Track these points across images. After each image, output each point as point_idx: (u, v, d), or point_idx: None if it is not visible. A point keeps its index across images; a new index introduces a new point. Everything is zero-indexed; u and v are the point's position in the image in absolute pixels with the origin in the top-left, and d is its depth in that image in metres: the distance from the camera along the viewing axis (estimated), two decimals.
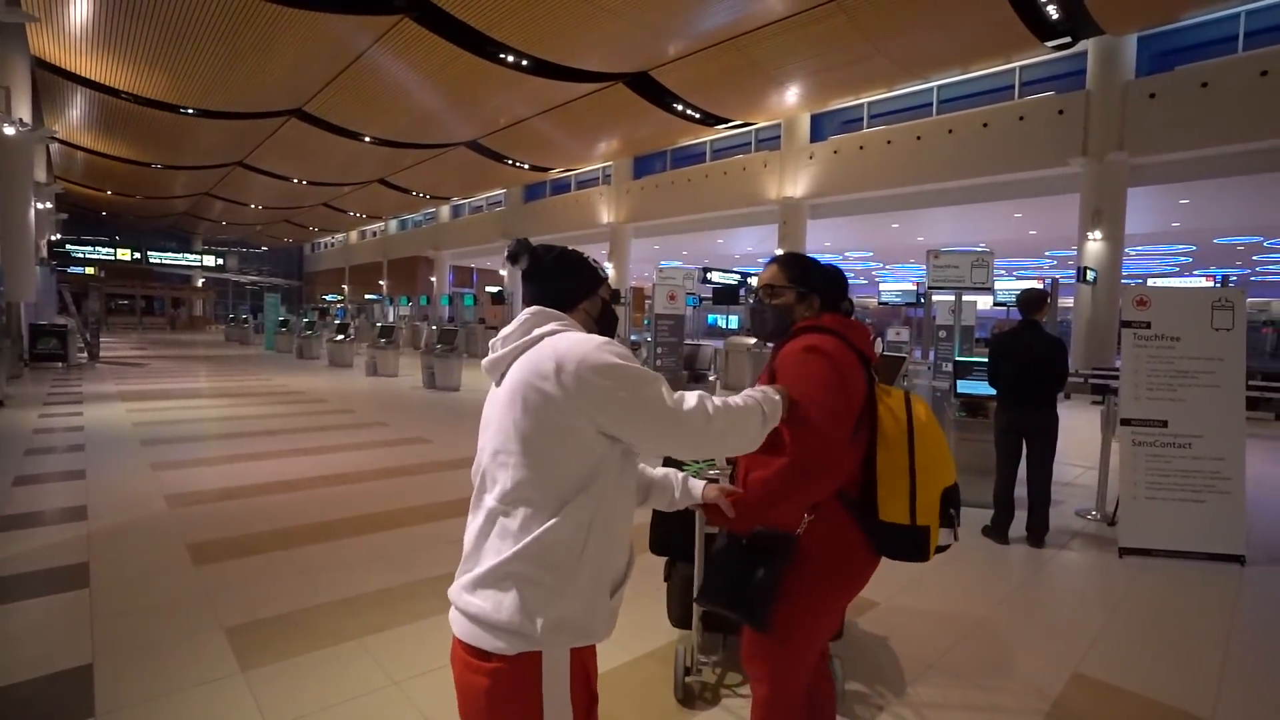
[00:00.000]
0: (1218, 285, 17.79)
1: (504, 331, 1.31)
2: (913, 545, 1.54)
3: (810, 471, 1.48)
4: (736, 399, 1.36)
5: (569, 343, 1.20)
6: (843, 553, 1.57)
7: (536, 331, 1.25)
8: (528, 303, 1.35)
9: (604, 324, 1.40)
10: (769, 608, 1.53)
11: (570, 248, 1.41)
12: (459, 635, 1.19)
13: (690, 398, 1.24)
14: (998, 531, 4.47)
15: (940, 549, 1.60)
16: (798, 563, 1.54)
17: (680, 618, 2.68)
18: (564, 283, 1.37)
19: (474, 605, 1.16)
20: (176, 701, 2.36)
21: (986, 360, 4.60)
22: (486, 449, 1.27)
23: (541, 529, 1.15)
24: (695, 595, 1.90)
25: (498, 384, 1.29)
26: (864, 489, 1.56)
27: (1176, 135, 11.58)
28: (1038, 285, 6.55)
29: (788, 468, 1.48)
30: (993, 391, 5.21)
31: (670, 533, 2.67)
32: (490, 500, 1.22)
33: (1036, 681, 2.68)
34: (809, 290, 1.68)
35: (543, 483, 1.16)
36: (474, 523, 1.25)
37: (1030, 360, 4.28)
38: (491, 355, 1.30)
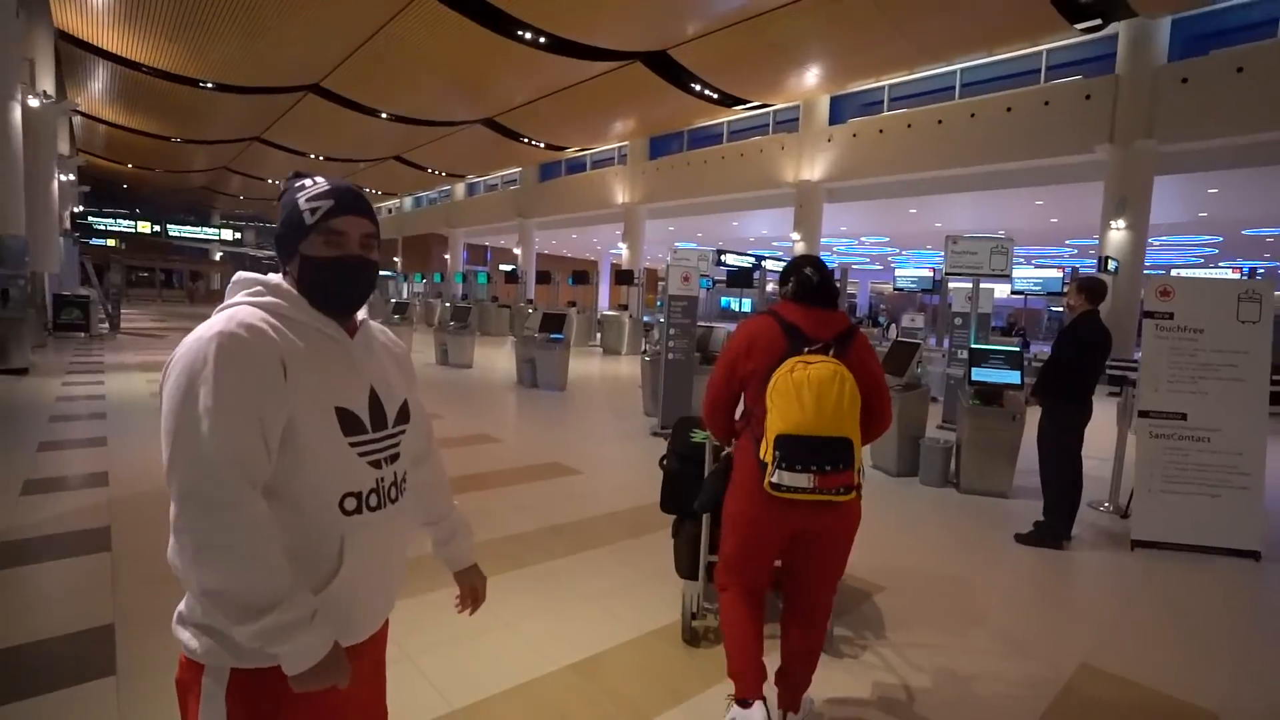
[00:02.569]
0: (1245, 277, 17.41)
1: None
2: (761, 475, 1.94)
3: (707, 404, 2.20)
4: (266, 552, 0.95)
5: (210, 323, 0.99)
6: (748, 471, 2.03)
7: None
8: None
9: (316, 294, 1.09)
10: (720, 494, 2.21)
11: (298, 182, 1.12)
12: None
13: (222, 487, 0.92)
14: (1059, 537, 4.15)
15: (778, 487, 1.89)
16: (733, 471, 2.15)
17: (688, 569, 2.89)
18: (276, 233, 1.13)
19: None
20: None
21: (1066, 349, 4.13)
22: None
23: None
24: (696, 506, 2.46)
25: None
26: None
27: (1208, 122, 11.28)
28: (1095, 274, 6.43)
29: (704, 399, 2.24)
30: (1013, 380, 5.16)
31: (678, 494, 2.93)
32: None
33: (1043, 671, 2.69)
34: (784, 286, 2.19)
35: None
36: None
37: (1108, 351, 4.17)
38: None
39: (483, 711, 2.23)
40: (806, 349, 1.97)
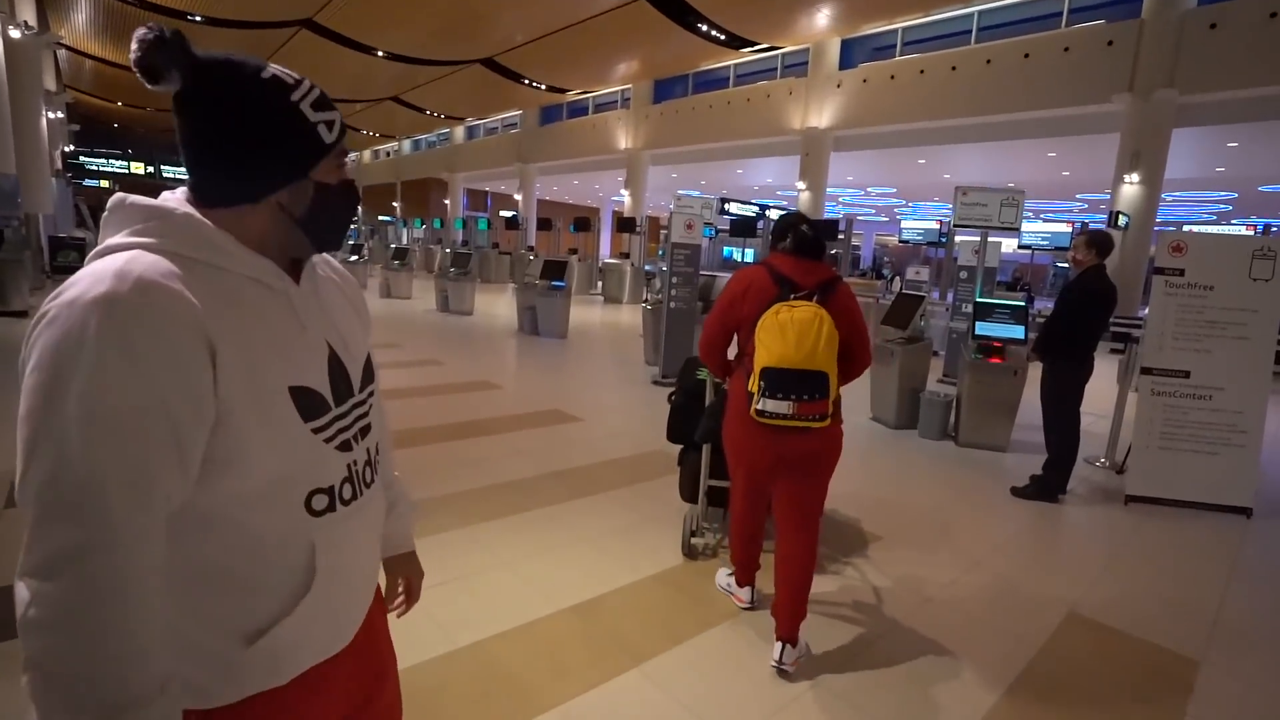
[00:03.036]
0: (1259, 235, 17.19)
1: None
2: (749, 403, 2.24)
3: (704, 342, 2.49)
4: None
5: (78, 280, 0.68)
6: (739, 402, 2.33)
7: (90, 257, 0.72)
8: (186, 170, 0.79)
9: (318, 232, 0.84)
10: (716, 427, 2.65)
11: (274, 72, 0.79)
12: None
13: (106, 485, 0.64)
14: (1055, 491, 4.20)
15: (762, 413, 2.17)
16: (727, 403, 2.47)
17: (690, 494, 3.29)
18: (247, 142, 0.76)
19: None
20: None
21: (1070, 303, 4.09)
22: None
23: None
24: (697, 437, 2.98)
25: None
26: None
27: (1234, 71, 10.89)
28: (1104, 228, 6.29)
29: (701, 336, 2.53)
30: (1016, 335, 5.14)
31: (681, 427, 3.30)
32: None
33: (1032, 619, 2.75)
34: (780, 240, 2.41)
35: None
36: None
37: (1112, 307, 4.11)
38: None
39: (485, 650, 2.29)
40: (793, 295, 2.24)
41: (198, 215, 0.76)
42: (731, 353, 2.50)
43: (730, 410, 2.42)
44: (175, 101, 0.76)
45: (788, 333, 2.12)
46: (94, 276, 0.67)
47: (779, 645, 2.27)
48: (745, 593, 2.64)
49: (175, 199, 0.79)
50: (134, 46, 0.73)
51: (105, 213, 0.76)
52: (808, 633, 2.37)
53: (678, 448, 3.40)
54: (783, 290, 2.24)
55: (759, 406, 2.16)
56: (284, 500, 0.80)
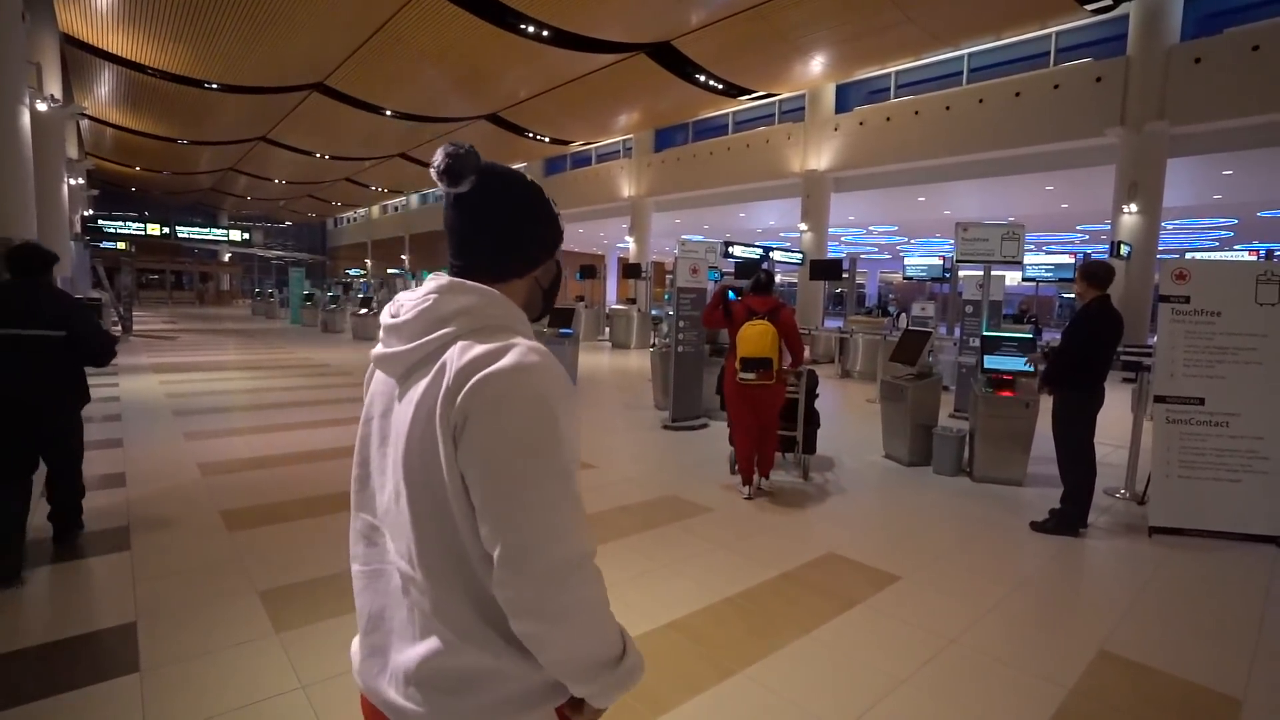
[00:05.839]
0: (1262, 260, 17.18)
1: (406, 306, 0.90)
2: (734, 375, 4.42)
3: (704, 319, 5.07)
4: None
5: (487, 350, 0.82)
6: (730, 373, 4.47)
7: (447, 330, 0.85)
8: (453, 253, 0.94)
9: (550, 299, 1.03)
10: (721, 387, 4.96)
11: (531, 178, 0.98)
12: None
13: (584, 542, 0.83)
14: (1075, 524, 4.13)
15: (742, 379, 4.31)
16: (723, 376, 4.79)
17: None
18: (525, 232, 0.94)
19: (417, 705, 0.85)
20: (216, 659, 2.45)
21: (1075, 338, 4.09)
22: (391, 487, 0.89)
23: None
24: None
25: (398, 385, 0.90)
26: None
27: (1223, 102, 11.09)
28: (1090, 257, 6.34)
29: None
30: (1025, 368, 5.12)
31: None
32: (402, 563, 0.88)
33: (1061, 657, 2.67)
34: (750, 281, 4.63)
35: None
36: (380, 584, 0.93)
37: (1118, 335, 4.11)
38: (383, 348, 0.91)
39: None
40: (754, 316, 4.39)
41: (504, 294, 0.91)
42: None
43: (726, 380, 4.59)
44: (460, 199, 0.91)
45: (751, 339, 4.28)
46: (516, 348, 0.82)
47: (757, 479, 4.69)
48: (745, 490, 4.66)
49: (469, 281, 0.90)
50: (441, 158, 0.88)
51: (447, 292, 0.88)
52: (831, 685, 2.30)
53: (691, 495, 4.67)
54: (750, 315, 4.43)
55: (740, 377, 4.32)
56: None
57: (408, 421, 0.84)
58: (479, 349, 0.81)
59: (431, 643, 0.84)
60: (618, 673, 0.88)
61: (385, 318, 0.92)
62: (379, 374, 0.95)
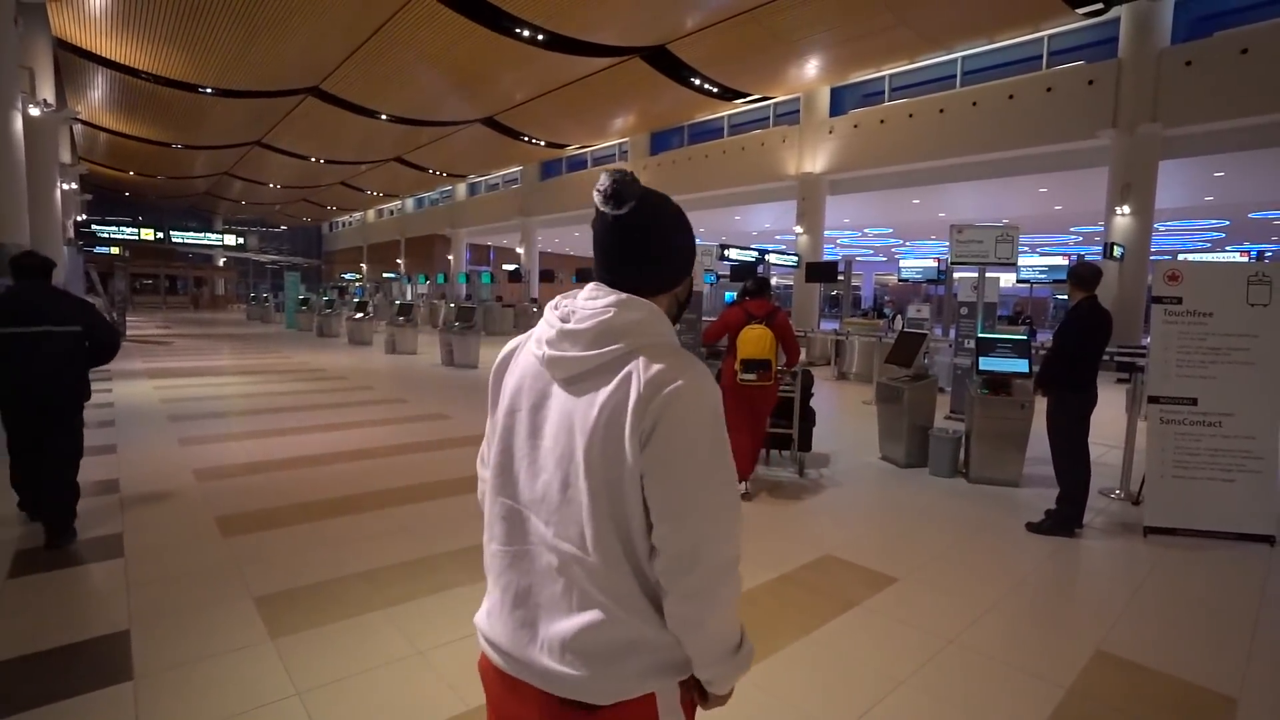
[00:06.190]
0: (1253, 260, 17.28)
1: (579, 315, 0.98)
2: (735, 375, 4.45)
3: (706, 336, 4.90)
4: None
5: (668, 366, 0.93)
6: (729, 374, 4.50)
7: (623, 344, 0.95)
8: (610, 269, 1.02)
9: (684, 309, 1.14)
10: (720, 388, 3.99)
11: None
12: (548, 690, 0.97)
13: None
14: (1071, 525, 4.14)
15: (741, 379, 4.40)
16: (722, 376, 4.59)
17: None
18: (676, 250, 1.05)
19: (580, 672, 0.94)
20: (211, 666, 2.43)
21: (1064, 338, 4.16)
22: (550, 477, 0.98)
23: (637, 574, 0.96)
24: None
25: (562, 384, 0.99)
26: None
27: (1213, 104, 11.17)
28: (1083, 259, 6.39)
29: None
30: (1020, 368, 5.14)
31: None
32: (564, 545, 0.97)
33: (1058, 657, 2.67)
34: (745, 286, 4.84)
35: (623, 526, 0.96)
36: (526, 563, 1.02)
37: (1107, 334, 4.14)
38: (554, 350, 0.98)
39: None
40: (751, 320, 4.49)
41: (658, 308, 1.02)
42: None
43: (725, 380, 4.52)
44: (619, 220, 0.99)
45: (751, 341, 4.41)
46: (686, 361, 0.96)
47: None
48: (742, 486, 4.63)
49: (637, 298, 1.00)
50: (607, 183, 0.97)
51: (621, 308, 0.97)
52: (830, 687, 2.31)
53: None
54: (749, 318, 4.53)
55: (740, 378, 4.41)
56: None
57: (589, 422, 0.93)
58: (661, 364, 0.93)
59: (592, 615, 0.94)
60: (738, 657, 1.01)
61: (553, 319, 1.01)
62: (527, 370, 1.05)
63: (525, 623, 1.00)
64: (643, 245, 1.01)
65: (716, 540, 0.93)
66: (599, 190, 0.97)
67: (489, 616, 1.06)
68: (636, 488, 0.92)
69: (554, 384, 0.99)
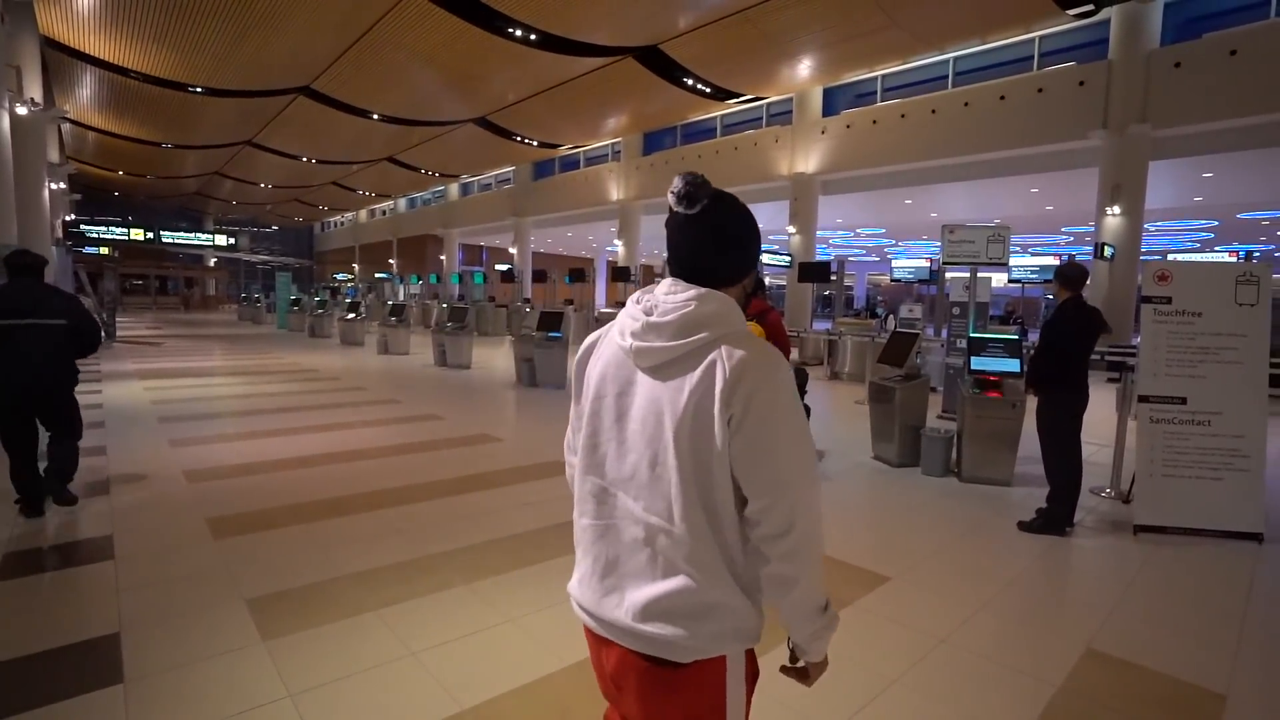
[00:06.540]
0: (1241, 260, 17.43)
1: (662, 308, 1.07)
2: None
3: None
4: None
5: (749, 354, 1.02)
6: None
7: (705, 334, 1.04)
8: (685, 264, 1.12)
9: (749, 301, 1.22)
10: None
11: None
12: (635, 649, 1.08)
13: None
14: (1062, 523, 4.16)
15: None
16: None
17: None
18: (745, 245, 1.15)
19: (664, 631, 1.05)
20: (201, 669, 2.42)
21: (1049, 335, 4.19)
22: (639, 457, 1.07)
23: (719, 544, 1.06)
24: None
25: (647, 372, 1.08)
26: None
27: (1202, 106, 11.26)
28: (1073, 259, 6.45)
29: None
30: (1012, 368, 5.18)
31: None
32: (653, 518, 1.06)
33: (1049, 656, 2.69)
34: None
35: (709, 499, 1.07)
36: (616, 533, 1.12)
37: (1093, 333, 4.18)
38: (640, 341, 1.07)
39: (492, 710, 2.23)
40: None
41: (731, 298, 1.11)
42: None
43: None
44: (692, 219, 1.10)
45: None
46: (754, 338, 1.06)
47: None
48: None
49: (714, 290, 1.09)
50: (681, 185, 1.09)
51: (701, 301, 1.06)
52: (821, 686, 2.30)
53: None
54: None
55: None
56: None
57: (679, 406, 1.02)
58: (742, 351, 1.02)
59: (678, 581, 1.04)
60: (827, 616, 1.10)
61: (636, 312, 1.10)
62: (611, 360, 1.14)
63: (612, 590, 1.10)
64: (714, 242, 1.11)
65: (809, 507, 1.03)
66: (673, 192, 1.08)
67: (580, 584, 1.17)
68: (724, 465, 1.01)
69: (638, 371, 1.09)
